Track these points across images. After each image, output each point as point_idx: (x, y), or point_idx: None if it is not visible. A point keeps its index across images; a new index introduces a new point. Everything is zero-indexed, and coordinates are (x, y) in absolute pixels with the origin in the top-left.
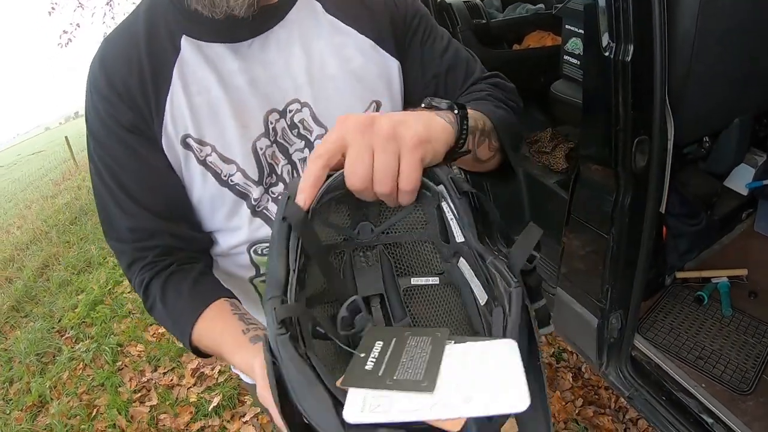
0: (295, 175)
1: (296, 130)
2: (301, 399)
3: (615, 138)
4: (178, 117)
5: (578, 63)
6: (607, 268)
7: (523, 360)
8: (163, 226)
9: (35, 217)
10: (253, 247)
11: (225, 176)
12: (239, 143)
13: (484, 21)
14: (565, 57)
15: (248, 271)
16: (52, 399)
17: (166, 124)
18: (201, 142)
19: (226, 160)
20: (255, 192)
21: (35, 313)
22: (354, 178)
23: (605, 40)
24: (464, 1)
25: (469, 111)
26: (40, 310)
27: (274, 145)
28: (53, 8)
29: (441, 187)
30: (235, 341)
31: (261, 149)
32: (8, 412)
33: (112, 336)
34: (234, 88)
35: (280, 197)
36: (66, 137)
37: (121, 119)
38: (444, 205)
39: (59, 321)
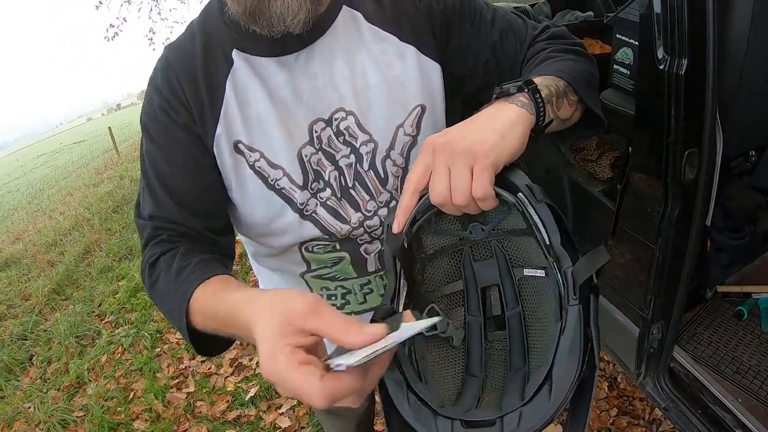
0: (343, 182)
1: (342, 137)
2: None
3: (666, 149)
4: (231, 124)
5: (628, 73)
6: (651, 278)
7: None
8: (185, 220)
9: (78, 204)
10: (305, 245)
11: (272, 180)
12: (285, 150)
13: None
14: (615, 66)
15: (300, 267)
16: (89, 381)
17: (220, 130)
18: (251, 149)
19: (274, 166)
20: (299, 196)
21: (76, 297)
22: (435, 195)
23: (660, 53)
24: (515, 8)
25: (537, 82)
26: (81, 294)
27: (320, 152)
28: (101, 2)
29: (521, 195)
30: (238, 287)
31: (306, 156)
32: (45, 390)
33: (151, 323)
34: (280, 100)
35: (329, 202)
36: (109, 128)
37: (177, 118)
38: (529, 209)
39: (99, 305)
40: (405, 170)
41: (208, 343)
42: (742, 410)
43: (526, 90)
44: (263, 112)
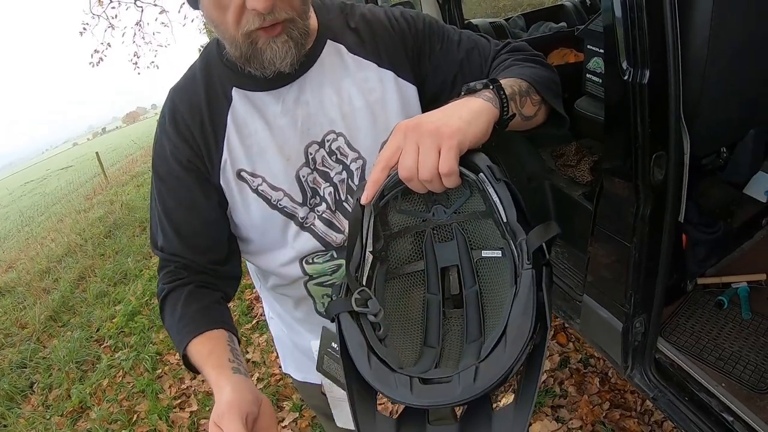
0: (337, 196)
1: (334, 156)
2: (354, 357)
3: (634, 154)
4: (234, 155)
5: (600, 81)
6: (630, 275)
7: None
8: (189, 254)
9: (69, 230)
10: (305, 258)
11: (274, 201)
12: (284, 173)
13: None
14: (588, 75)
15: (301, 278)
16: (92, 405)
17: (225, 161)
18: (253, 175)
19: (275, 188)
20: (300, 212)
21: (73, 323)
22: (403, 169)
23: (624, 65)
24: (490, 23)
25: (501, 81)
26: (78, 320)
27: (315, 172)
28: (85, 28)
29: (481, 175)
30: (218, 362)
31: (303, 177)
32: (48, 417)
33: (150, 345)
34: (278, 128)
35: (324, 214)
36: (97, 153)
37: (181, 157)
38: (488, 188)
39: (97, 330)
40: None
41: None
42: (727, 394)
43: (491, 86)
44: (263, 142)
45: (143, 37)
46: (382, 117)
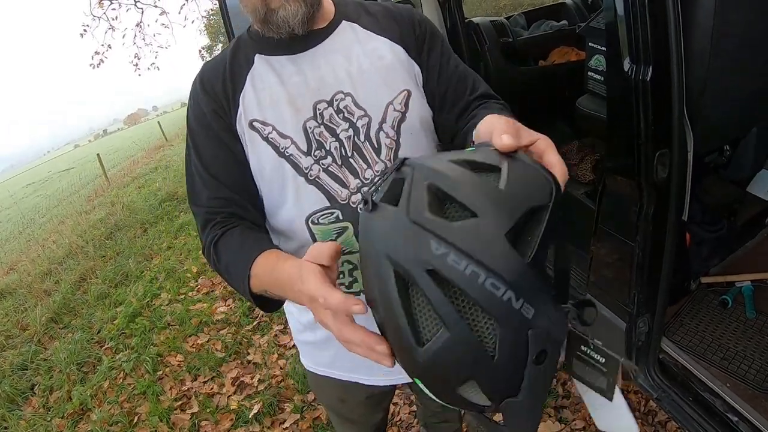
0: (343, 151)
1: (342, 114)
2: None
3: (637, 151)
4: (248, 107)
5: (602, 79)
6: (633, 274)
7: None
8: (234, 197)
9: (70, 232)
10: (310, 218)
11: (282, 149)
12: (292, 123)
13: (510, 39)
14: (589, 73)
15: (308, 241)
16: (93, 407)
17: (240, 113)
18: (264, 123)
19: (283, 136)
20: (304, 161)
21: (74, 325)
22: None
23: (626, 64)
24: (491, 21)
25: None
26: (79, 322)
27: (322, 126)
28: (85, 30)
29: None
30: (289, 261)
31: (310, 129)
32: (49, 419)
33: (151, 347)
34: (290, 83)
35: (331, 167)
36: (98, 155)
37: (207, 111)
38: None
39: (98, 332)
40: (397, 143)
41: (266, 303)
42: (731, 394)
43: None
44: (275, 94)
45: (144, 39)
46: (388, 79)
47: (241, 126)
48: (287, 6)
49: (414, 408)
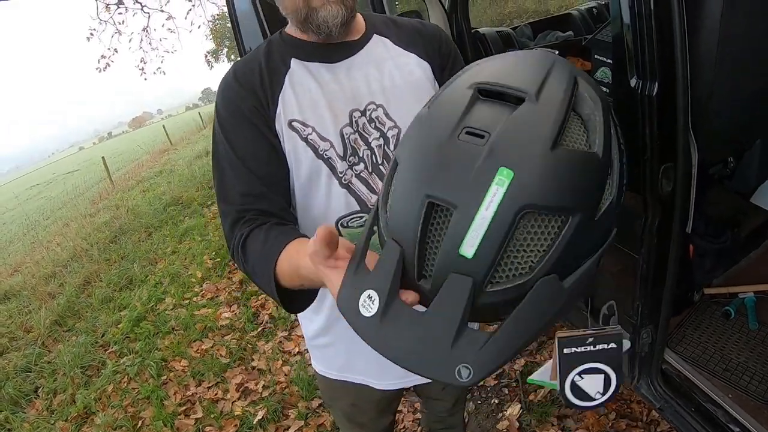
0: (374, 159)
1: (374, 123)
2: None
3: (643, 165)
4: (288, 107)
5: (607, 91)
6: (637, 286)
7: None
8: (265, 192)
9: (75, 235)
10: (341, 221)
11: (321, 151)
12: (332, 127)
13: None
14: None
15: None
16: (97, 411)
17: (279, 112)
18: (304, 124)
19: (323, 139)
20: (340, 165)
21: (78, 328)
22: None
23: (633, 81)
24: (497, 32)
25: None
26: (83, 325)
27: (356, 133)
28: (92, 34)
29: None
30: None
31: (347, 134)
32: (52, 422)
33: (156, 351)
34: (328, 90)
35: (362, 174)
36: (103, 157)
37: (244, 105)
38: None
39: (102, 336)
40: None
41: (293, 301)
42: (734, 405)
43: None
44: (315, 97)
45: (150, 43)
46: (418, 94)
47: (280, 124)
48: (329, 7)
49: (418, 415)
